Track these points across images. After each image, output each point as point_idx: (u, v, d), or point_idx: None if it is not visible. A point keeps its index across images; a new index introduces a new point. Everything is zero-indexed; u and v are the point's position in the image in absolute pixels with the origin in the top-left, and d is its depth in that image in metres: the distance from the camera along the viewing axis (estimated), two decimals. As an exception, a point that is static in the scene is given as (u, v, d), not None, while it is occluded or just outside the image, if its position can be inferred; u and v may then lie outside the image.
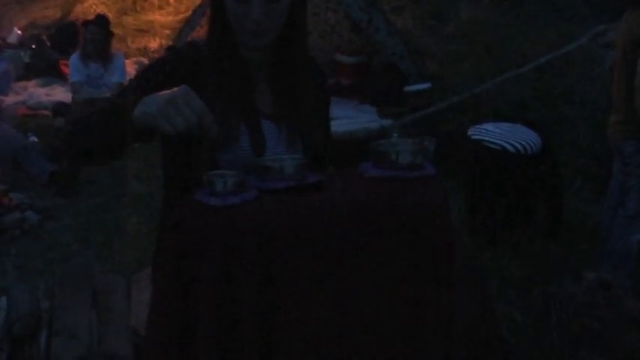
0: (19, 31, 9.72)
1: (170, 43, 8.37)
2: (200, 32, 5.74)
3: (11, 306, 3.86)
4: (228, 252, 1.59)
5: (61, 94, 7.90)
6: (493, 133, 5.16)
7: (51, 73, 8.73)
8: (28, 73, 8.76)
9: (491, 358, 2.13)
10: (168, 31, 10.27)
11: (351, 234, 1.67)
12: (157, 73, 2.02)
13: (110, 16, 7.73)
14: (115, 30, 7.92)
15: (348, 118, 6.90)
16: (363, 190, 1.77)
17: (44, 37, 9.39)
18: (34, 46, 9.14)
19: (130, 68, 7.86)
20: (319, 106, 2.21)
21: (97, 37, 7.12)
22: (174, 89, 1.73)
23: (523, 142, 5.01)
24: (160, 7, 11.22)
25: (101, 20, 7.32)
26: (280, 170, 1.76)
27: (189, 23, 7.01)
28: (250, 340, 1.59)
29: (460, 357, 1.86)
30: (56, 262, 4.93)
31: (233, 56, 2.04)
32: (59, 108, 7.11)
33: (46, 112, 7.39)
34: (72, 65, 7.26)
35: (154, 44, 9.88)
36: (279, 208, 1.66)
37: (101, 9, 10.33)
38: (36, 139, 6.76)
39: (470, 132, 5.26)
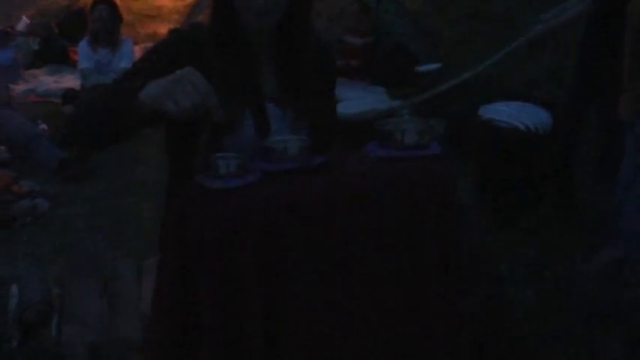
0: (28, 20, 9.67)
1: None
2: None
3: (22, 293, 3.87)
4: (230, 236, 1.57)
5: (70, 81, 7.87)
6: (504, 112, 5.11)
7: (60, 60, 8.69)
8: (37, 61, 8.72)
9: (500, 339, 2.11)
10: (177, 16, 10.22)
11: (357, 215, 1.65)
12: (161, 56, 2.00)
13: (118, 1, 7.67)
14: (124, 16, 7.88)
15: (358, 100, 6.85)
16: (369, 170, 1.75)
17: (53, 25, 9.35)
18: (42, 34, 9.10)
19: (139, 54, 7.81)
20: (325, 88, 2.18)
21: (104, 15, 7.10)
22: (180, 71, 1.71)
23: (534, 121, 4.95)
24: (169, -8, 11.17)
25: (109, 0, 7.30)
26: (284, 151, 1.74)
27: (197, 6, 6.96)
28: (254, 329, 1.57)
29: (467, 337, 1.84)
30: (67, 249, 4.91)
31: (237, 38, 2.02)
32: (68, 95, 7.08)
33: (55, 100, 7.37)
34: (80, 52, 7.25)
35: (162, 29, 9.82)
36: (282, 190, 1.64)
37: (110, -6, 10.30)
38: (45, 127, 6.74)
39: (480, 111, 5.22)
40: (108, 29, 7.15)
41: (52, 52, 8.74)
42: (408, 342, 1.75)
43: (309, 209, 1.62)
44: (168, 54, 1.99)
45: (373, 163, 1.78)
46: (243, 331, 1.57)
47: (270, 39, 2.05)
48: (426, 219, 1.72)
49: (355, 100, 6.64)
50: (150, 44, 8.82)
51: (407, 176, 1.73)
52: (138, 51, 7.73)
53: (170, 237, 1.65)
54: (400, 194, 1.70)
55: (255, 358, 1.56)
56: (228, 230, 1.57)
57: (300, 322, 1.63)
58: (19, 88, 7.78)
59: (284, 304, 1.61)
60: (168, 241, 1.66)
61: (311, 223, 1.61)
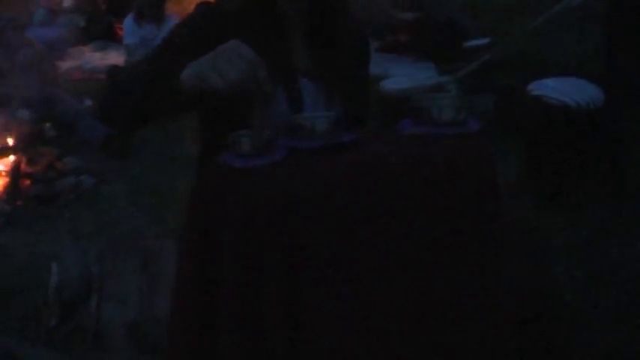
0: (75, -4, 9.70)
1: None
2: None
3: (61, 272, 3.85)
4: (252, 216, 1.48)
5: (116, 57, 7.89)
6: (554, 88, 4.94)
7: (107, 36, 8.72)
8: (83, 37, 8.75)
9: (545, 317, 2.02)
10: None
11: (387, 195, 1.55)
12: (191, 30, 1.93)
13: (165, -24, 7.63)
14: (171, -9, 7.85)
15: (405, 76, 6.74)
16: (401, 148, 1.64)
17: (99, 1, 9.36)
18: (89, 11, 9.12)
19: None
20: (359, 64, 2.10)
21: None
22: (223, 45, 1.62)
23: (586, 97, 4.80)
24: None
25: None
26: (312, 128, 1.64)
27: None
28: (275, 316, 1.48)
29: (509, 316, 1.73)
30: (109, 227, 4.90)
31: (269, 10, 1.94)
32: (113, 71, 7.07)
33: (101, 76, 7.38)
34: (126, 27, 7.24)
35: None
36: (308, 169, 1.55)
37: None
38: (91, 103, 6.74)
39: (530, 87, 5.07)
40: (153, 4, 7.12)
41: (99, 29, 8.77)
42: (447, 323, 1.65)
43: (334, 188, 1.52)
44: (197, 28, 1.92)
45: (406, 140, 1.67)
46: (265, 318, 1.49)
47: (302, 11, 1.97)
48: (462, 200, 1.61)
49: (402, 77, 6.52)
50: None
51: (442, 154, 1.62)
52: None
53: (190, 218, 1.57)
54: (434, 173, 1.59)
55: (276, 346, 1.48)
56: (251, 210, 1.48)
57: (324, 307, 1.53)
58: (66, 64, 7.81)
59: (308, 287, 1.51)
60: (189, 221, 1.58)
61: (336, 202, 1.51)
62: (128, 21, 7.20)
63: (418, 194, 1.57)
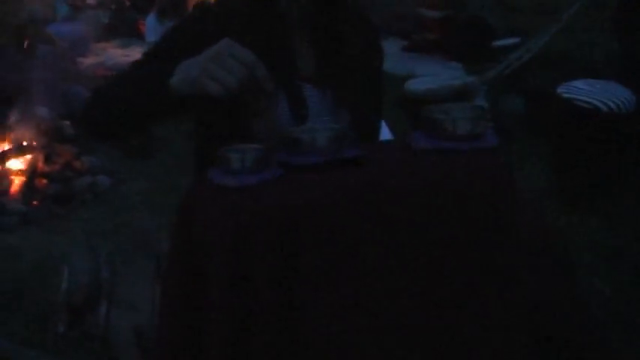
0: (98, -8, 9.64)
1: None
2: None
3: (71, 276, 3.76)
4: (243, 242, 1.34)
5: (138, 54, 7.75)
6: (584, 90, 4.82)
7: (130, 33, 8.63)
8: (107, 34, 8.67)
9: (571, 334, 1.87)
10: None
11: (391, 221, 1.40)
12: (184, 33, 1.80)
13: (187, -26, 7.55)
14: (192, -11, 7.76)
15: (432, 76, 6.59)
16: (410, 165, 1.50)
17: (124, -2, 9.31)
18: (113, 7, 9.05)
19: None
20: (370, 66, 1.95)
21: None
22: (214, 46, 1.50)
23: (617, 101, 4.66)
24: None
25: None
26: (312, 143, 1.49)
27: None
28: (268, 346, 1.35)
29: (529, 334, 1.58)
30: (124, 228, 4.80)
31: (270, 10, 1.80)
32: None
33: (123, 73, 7.28)
34: (148, 25, 7.19)
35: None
36: (306, 189, 1.40)
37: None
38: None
39: (560, 90, 4.93)
40: (175, 2, 7.03)
41: (123, 25, 8.69)
42: (457, 349, 1.50)
43: (332, 211, 1.38)
44: (192, 31, 1.79)
45: (416, 157, 1.52)
46: (256, 344, 1.35)
47: (308, 10, 1.83)
48: (475, 230, 1.45)
49: (428, 77, 6.38)
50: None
51: (454, 176, 1.46)
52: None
53: (176, 237, 1.44)
54: (444, 199, 1.43)
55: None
56: (240, 234, 1.34)
57: (320, 334, 1.38)
58: (88, 61, 7.73)
59: (304, 316, 1.37)
60: (175, 241, 1.44)
61: (333, 226, 1.37)
62: (150, 19, 7.13)
63: (425, 221, 1.42)
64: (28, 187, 5.30)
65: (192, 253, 1.40)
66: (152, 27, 7.04)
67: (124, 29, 8.65)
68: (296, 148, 1.49)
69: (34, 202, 5.19)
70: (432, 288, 1.45)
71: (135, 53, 7.91)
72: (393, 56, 6.77)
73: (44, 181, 5.36)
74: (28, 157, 5.53)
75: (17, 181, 5.34)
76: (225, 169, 1.42)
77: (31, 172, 5.37)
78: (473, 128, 1.53)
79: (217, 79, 1.45)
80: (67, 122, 6.16)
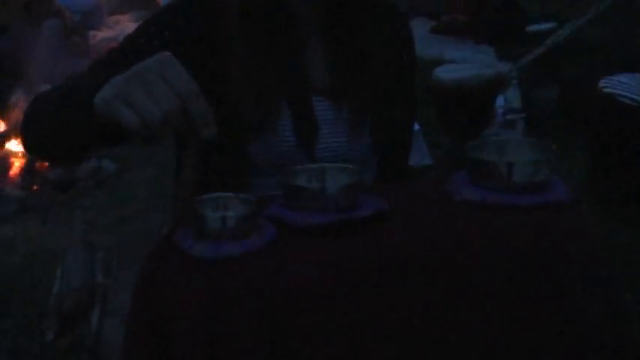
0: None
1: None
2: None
3: (64, 278, 3.45)
4: (217, 326, 0.98)
5: (154, 28, 7.47)
6: (628, 86, 4.45)
7: (147, 6, 8.27)
8: (122, 6, 8.32)
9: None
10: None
11: (419, 308, 1.03)
12: (161, 28, 1.43)
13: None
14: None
15: (462, 62, 6.23)
16: (447, 228, 1.12)
17: (141, -33, 8.95)
18: (130, -23, 8.71)
19: None
20: (398, 73, 1.58)
21: None
22: (148, 59, 1.11)
23: (664, 98, 4.29)
24: None
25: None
26: (320, 194, 1.12)
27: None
28: None
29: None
30: (126, 221, 4.47)
31: (275, 6, 1.43)
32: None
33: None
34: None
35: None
36: (303, 265, 1.03)
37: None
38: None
39: (601, 84, 4.57)
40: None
41: (139, -3, 8.35)
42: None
43: (338, 297, 1.00)
44: (172, 25, 1.42)
45: (456, 212, 1.14)
46: None
47: (320, 7, 1.47)
48: (543, 316, 1.08)
49: (457, 64, 6.02)
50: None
51: (509, 242, 1.08)
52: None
53: (137, 306, 1.08)
54: (498, 274, 1.06)
55: None
56: (216, 318, 0.99)
57: None
58: (101, 34, 7.38)
59: None
60: (137, 312, 1.09)
61: (336, 316, 1.00)
62: (166, -8, 6.82)
63: (470, 307, 1.05)
64: (28, 171, 4.99)
65: (155, 332, 1.05)
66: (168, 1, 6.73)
67: (139, 1, 8.31)
68: (298, 199, 1.12)
69: (34, 188, 4.90)
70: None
71: (150, 27, 7.62)
72: (421, 38, 6.44)
73: (45, 165, 5.04)
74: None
75: (17, 165, 5.04)
76: (198, 229, 1.06)
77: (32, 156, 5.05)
78: (534, 174, 1.16)
79: (136, 107, 1.06)
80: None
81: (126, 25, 7.72)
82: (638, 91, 4.41)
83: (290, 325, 0.98)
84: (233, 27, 1.41)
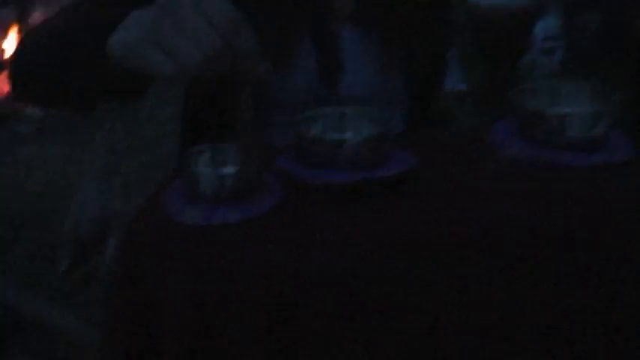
0: None
1: None
2: None
3: (80, 205, 3.35)
4: (210, 311, 0.81)
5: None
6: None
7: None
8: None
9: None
10: None
11: (454, 288, 0.84)
12: None
13: None
14: None
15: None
16: (491, 193, 0.92)
17: None
18: None
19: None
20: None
21: None
22: None
23: None
24: None
25: None
26: (338, 148, 0.93)
27: None
28: None
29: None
30: (151, 144, 4.36)
31: None
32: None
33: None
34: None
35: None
36: (319, 236, 0.84)
37: None
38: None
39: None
40: None
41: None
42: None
43: (360, 275, 0.81)
44: None
45: (500, 172, 0.95)
46: None
47: None
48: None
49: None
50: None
51: (565, 209, 0.89)
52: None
53: (118, 289, 0.91)
54: (553, 245, 0.86)
55: None
56: (207, 299, 0.81)
57: None
58: None
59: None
60: (117, 293, 0.92)
61: (350, 299, 0.81)
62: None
63: (519, 287, 0.87)
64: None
65: (138, 314, 0.89)
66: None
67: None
68: (313, 152, 0.93)
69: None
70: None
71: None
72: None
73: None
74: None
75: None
76: (190, 190, 0.88)
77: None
78: (593, 129, 0.97)
79: (170, 51, 0.86)
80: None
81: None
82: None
83: (298, 314, 0.80)
84: None
